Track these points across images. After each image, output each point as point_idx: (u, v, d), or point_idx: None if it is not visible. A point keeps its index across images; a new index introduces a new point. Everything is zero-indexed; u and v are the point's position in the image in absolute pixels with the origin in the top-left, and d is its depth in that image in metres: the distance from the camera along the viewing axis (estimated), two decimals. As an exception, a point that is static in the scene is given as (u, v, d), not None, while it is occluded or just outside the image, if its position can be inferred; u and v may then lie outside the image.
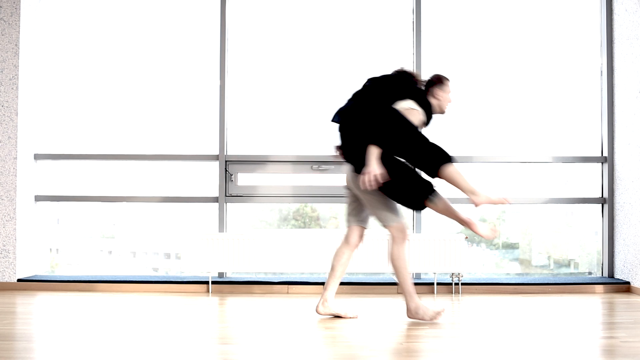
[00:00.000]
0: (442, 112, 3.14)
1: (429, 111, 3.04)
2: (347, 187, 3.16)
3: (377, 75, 3.06)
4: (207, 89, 4.33)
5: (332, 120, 3.03)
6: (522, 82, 4.35)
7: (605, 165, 4.24)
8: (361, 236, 3.18)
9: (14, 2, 4.05)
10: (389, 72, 3.08)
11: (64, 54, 4.41)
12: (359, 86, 3.06)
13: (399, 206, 3.05)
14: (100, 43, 4.40)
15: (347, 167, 3.09)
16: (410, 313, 3.02)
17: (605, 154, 4.24)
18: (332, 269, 3.16)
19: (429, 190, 2.91)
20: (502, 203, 2.91)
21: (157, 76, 4.38)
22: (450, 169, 2.85)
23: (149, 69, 4.38)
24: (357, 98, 3.00)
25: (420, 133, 2.88)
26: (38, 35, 4.26)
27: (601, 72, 4.29)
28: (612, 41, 4.24)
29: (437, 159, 2.84)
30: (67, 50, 4.41)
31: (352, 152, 2.96)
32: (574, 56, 4.37)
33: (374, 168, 2.80)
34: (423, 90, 3.08)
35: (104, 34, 4.40)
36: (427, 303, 3.11)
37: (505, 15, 4.38)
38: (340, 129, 3.00)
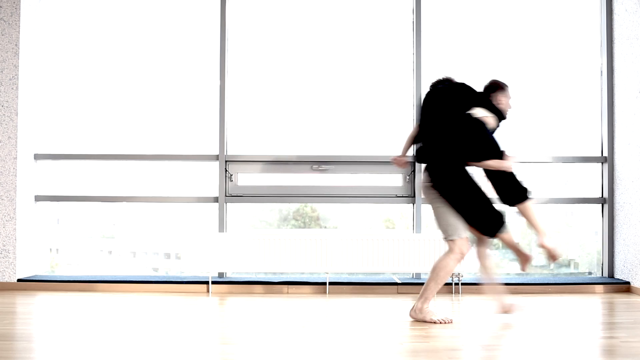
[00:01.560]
0: (504, 117, 3.12)
1: (500, 117, 3.06)
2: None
3: (439, 86, 3.06)
4: (207, 89, 4.33)
5: (417, 146, 3.10)
6: (522, 82, 4.34)
7: (605, 165, 4.23)
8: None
9: (14, 2, 4.05)
10: (440, 82, 3.09)
11: (64, 54, 4.41)
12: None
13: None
14: (100, 43, 4.40)
15: (423, 179, 3.08)
16: (414, 312, 3.02)
17: (605, 154, 4.24)
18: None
19: (502, 223, 3.00)
20: (554, 257, 3.03)
21: (157, 76, 4.38)
22: (529, 204, 2.98)
23: (149, 69, 4.38)
24: (431, 111, 3.01)
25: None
26: (38, 35, 4.26)
27: (601, 72, 4.29)
28: (612, 41, 4.23)
29: (521, 192, 2.99)
30: (67, 50, 4.41)
31: (432, 165, 3.00)
32: (574, 56, 4.37)
33: (507, 162, 2.95)
34: (487, 97, 3.08)
35: (104, 34, 4.40)
36: (432, 306, 3.09)
37: (505, 16, 4.38)
38: (423, 143, 3.04)
